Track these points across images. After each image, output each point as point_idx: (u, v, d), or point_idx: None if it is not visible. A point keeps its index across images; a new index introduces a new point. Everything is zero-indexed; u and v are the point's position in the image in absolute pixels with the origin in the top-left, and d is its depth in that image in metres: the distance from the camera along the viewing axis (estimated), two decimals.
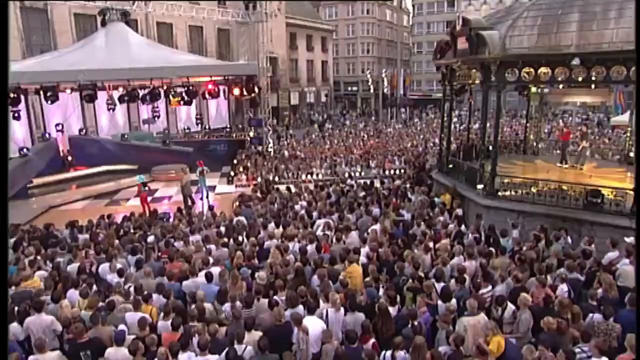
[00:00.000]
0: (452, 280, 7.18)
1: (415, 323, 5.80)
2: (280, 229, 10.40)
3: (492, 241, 9.08)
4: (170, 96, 11.70)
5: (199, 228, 10.56)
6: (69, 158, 20.15)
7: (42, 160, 19.07)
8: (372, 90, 52.77)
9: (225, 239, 9.82)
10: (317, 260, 8.11)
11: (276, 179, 17.91)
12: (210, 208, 12.66)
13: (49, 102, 11.58)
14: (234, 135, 24.16)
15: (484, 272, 7.28)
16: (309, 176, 17.68)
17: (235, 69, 12.34)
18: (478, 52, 10.88)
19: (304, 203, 12.45)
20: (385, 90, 46.57)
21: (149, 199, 15.24)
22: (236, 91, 11.86)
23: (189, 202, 14.73)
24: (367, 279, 7.53)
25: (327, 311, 6.09)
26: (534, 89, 17.22)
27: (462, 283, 6.97)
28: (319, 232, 9.83)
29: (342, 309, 6.15)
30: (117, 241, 10.07)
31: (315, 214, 11.45)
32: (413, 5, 67.18)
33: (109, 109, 19.02)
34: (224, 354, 5.40)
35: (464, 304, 6.16)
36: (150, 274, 8.01)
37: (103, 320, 6.51)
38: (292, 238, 9.47)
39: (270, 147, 23.20)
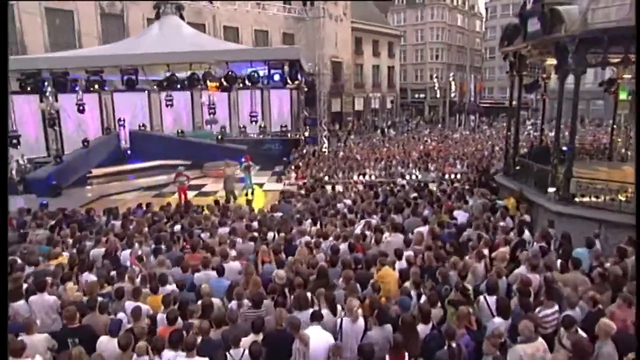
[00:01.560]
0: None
1: (454, 345, 4.56)
2: (318, 226, 9.53)
3: (563, 252, 7.46)
4: (208, 81, 11.19)
5: (229, 221, 9.90)
6: (128, 152, 20.82)
7: (104, 152, 19.77)
8: (439, 96, 50.55)
9: (256, 234, 9.09)
10: (347, 260, 7.06)
11: (326, 178, 17.01)
12: (249, 202, 12.05)
13: (96, 87, 11.57)
14: (289, 135, 23.70)
15: (549, 287, 5.80)
16: (360, 177, 16.59)
17: (276, 53, 11.64)
18: (553, 31, 9.27)
19: (348, 201, 11.42)
20: (453, 95, 44.25)
21: (190, 193, 15.10)
22: (276, 77, 11.05)
23: (231, 198, 14.25)
24: (407, 284, 6.36)
25: (341, 320, 5.01)
26: (623, 95, 14.99)
27: (526, 297, 5.57)
28: (357, 231, 8.76)
29: (361, 320, 5.03)
30: (146, 229, 9.71)
31: (359, 213, 10.42)
32: (486, 9, 63.86)
33: (167, 105, 19.48)
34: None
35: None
36: (164, 262, 7.42)
37: (103, 307, 5.95)
38: (326, 236, 8.49)
39: (325, 148, 22.38)
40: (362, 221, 9.43)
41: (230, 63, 11.18)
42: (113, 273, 7.20)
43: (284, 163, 20.81)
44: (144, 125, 22.33)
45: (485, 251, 7.39)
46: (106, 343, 5.24)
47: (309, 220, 9.76)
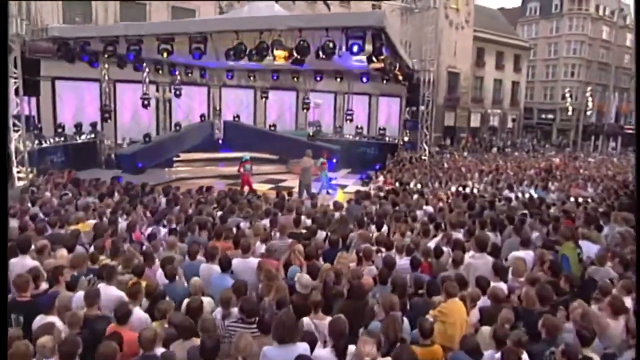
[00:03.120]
0: None
1: None
2: (384, 231, 7.44)
3: None
4: (275, 49, 9.76)
5: (280, 213, 8.26)
6: (220, 141, 20.69)
7: (198, 138, 19.78)
8: (571, 118, 43.95)
9: (304, 231, 7.33)
10: (402, 279, 4.92)
11: (418, 186, 14.61)
12: (312, 197, 10.36)
13: (165, 54, 10.89)
14: (388, 139, 21.60)
15: None
16: (459, 189, 13.87)
17: (355, 19, 9.75)
18: None
19: (429, 208, 9.08)
20: (588, 113, 37.88)
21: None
22: (355, 48, 9.18)
23: (304, 193, 12.73)
24: (483, 332, 4.06)
25: None
26: None
27: None
28: (431, 245, 6.49)
29: None
30: (190, 210, 8.59)
31: (442, 224, 8.05)
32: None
33: (262, 97, 18.99)
34: None
35: None
36: (174, 245, 6.03)
37: (72, 284, 4.69)
38: (389, 245, 6.38)
39: (425, 155, 19.83)
40: (441, 233, 7.10)
41: (305, 33, 9.57)
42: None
43: (376, 168, 18.86)
44: (237, 116, 22.06)
45: (627, 300, 4.65)
46: (40, 321, 3.95)
47: (374, 226, 7.68)
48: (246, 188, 12.68)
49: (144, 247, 6.33)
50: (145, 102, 17.54)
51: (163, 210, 8.54)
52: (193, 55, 10.60)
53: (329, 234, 7.01)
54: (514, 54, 46.99)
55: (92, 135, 17.56)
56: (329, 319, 3.85)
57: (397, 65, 12.64)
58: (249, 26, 9.89)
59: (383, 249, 6.30)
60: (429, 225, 7.63)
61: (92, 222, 7.39)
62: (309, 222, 7.95)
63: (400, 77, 14.13)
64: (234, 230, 6.97)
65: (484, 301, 4.85)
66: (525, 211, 8.78)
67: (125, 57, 12.24)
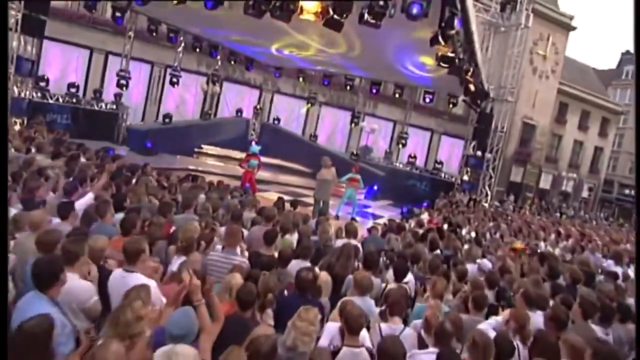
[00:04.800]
0: None
1: None
2: (409, 284, 4.43)
3: None
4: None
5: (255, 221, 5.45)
6: (254, 142, 18.44)
7: (229, 133, 17.67)
8: None
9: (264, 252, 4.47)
10: None
11: (472, 234, 11.30)
12: (321, 213, 7.46)
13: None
14: (444, 175, 18.31)
15: None
16: (527, 244, 10.36)
17: None
18: None
19: (487, 264, 5.90)
20: None
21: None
22: (415, 9, 6.33)
23: (317, 209, 9.81)
24: None
25: None
26: None
27: None
28: (485, 327, 3.39)
29: None
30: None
31: (508, 292, 4.88)
32: None
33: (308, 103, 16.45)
34: None
35: None
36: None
37: None
38: (398, 309, 3.39)
39: (486, 201, 16.33)
40: (507, 311, 3.94)
41: None
42: None
43: (423, 206, 15.67)
44: (278, 119, 19.75)
45: None
46: None
47: (390, 271, 4.66)
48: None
49: None
50: (174, 80, 15.54)
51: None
52: (206, 4, 8.23)
53: (310, 268, 4.10)
54: (601, 116, 42.05)
55: (114, 107, 15.73)
56: None
57: (471, 70, 9.58)
58: None
59: (395, 319, 3.33)
60: (485, 290, 4.47)
61: None
62: (294, 241, 5.10)
63: (472, 88, 10.96)
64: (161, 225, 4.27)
65: None
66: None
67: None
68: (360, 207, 12.32)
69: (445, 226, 11.33)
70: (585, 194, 43.51)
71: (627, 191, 47.21)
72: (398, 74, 14.20)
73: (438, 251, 6.32)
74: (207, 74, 18.52)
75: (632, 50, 50.91)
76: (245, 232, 5.11)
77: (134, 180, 7.19)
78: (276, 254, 4.45)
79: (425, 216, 12.47)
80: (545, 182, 39.93)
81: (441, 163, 18.84)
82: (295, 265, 4.13)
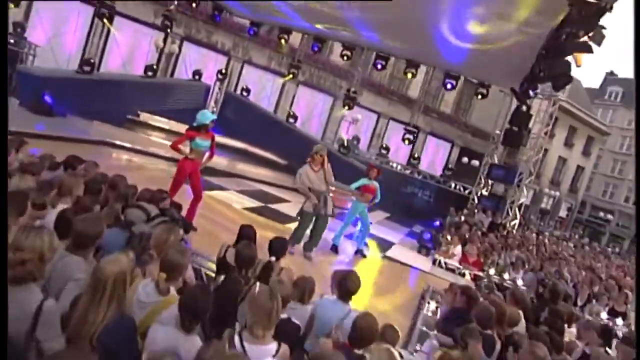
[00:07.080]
0: None
1: None
2: None
3: None
4: None
5: None
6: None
7: (180, 100, 13.15)
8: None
9: None
10: None
11: (519, 282, 7.50)
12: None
13: None
14: (455, 185, 14.43)
15: None
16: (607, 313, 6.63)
17: None
18: None
19: None
20: None
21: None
22: None
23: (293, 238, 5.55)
24: None
25: None
26: None
27: None
28: None
29: None
30: None
31: None
32: None
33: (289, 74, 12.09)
34: None
35: None
36: None
37: None
38: None
39: (514, 227, 12.65)
40: None
41: None
42: None
43: (432, 226, 11.69)
44: (247, 90, 15.21)
45: None
46: None
47: None
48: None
49: None
50: (104, 13, 10.55)
51: None
52: None
53: None
54: (587, 134, 40.16)
55: (11, 41, 10.64)
56: None
57: None
58: None
59: None
60: None
61: None
62: None
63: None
64: None
65: None
66: None
67: None
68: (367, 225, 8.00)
69: (492, 271, 7.41)
70: (563, 213, 41.64)
71: (601, 214, 45.86)
72: (424, 43, 9.90)
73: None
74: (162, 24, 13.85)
75: (615, 71, 49.72)
76: None
77: None
78: None
79: (456, 251, 8.43)
80: (526, 198, 37.42)
81: (451, 169, 14.97)
82: None
